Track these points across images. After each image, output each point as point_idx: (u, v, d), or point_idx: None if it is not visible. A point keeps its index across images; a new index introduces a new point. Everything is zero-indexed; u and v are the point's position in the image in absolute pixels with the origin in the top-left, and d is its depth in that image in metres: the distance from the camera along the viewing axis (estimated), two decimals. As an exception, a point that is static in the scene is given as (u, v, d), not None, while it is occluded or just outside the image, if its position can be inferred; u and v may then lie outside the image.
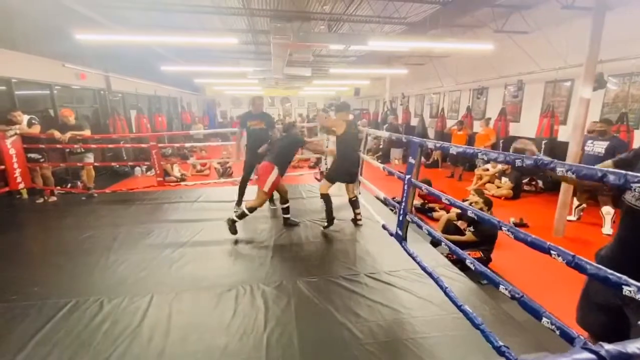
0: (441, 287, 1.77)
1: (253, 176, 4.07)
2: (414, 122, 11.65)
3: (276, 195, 4.02)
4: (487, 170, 6.48)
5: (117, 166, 7.11)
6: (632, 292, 0.84)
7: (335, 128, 3.43)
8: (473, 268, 1.54)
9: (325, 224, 3.50)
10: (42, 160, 4.68)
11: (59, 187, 5.04)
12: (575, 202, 4.66)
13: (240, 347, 1.82)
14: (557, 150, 5.47)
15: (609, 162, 1.17)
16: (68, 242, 3.23)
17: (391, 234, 2.49)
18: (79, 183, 5.85)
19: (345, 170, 3.47)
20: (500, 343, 1.31)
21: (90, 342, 1.84)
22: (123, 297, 2.24)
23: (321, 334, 1.93)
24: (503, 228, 1.30)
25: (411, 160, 2.14)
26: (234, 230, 3.22)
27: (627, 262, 1.07)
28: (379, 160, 9.02)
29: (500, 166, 6.16)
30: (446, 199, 1.81)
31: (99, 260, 2.79)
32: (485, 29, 6.46)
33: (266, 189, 3.22)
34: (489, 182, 6.34)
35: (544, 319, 1.13)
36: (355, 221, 3.63)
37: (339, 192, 4.81)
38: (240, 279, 2.53)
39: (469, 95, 8.77)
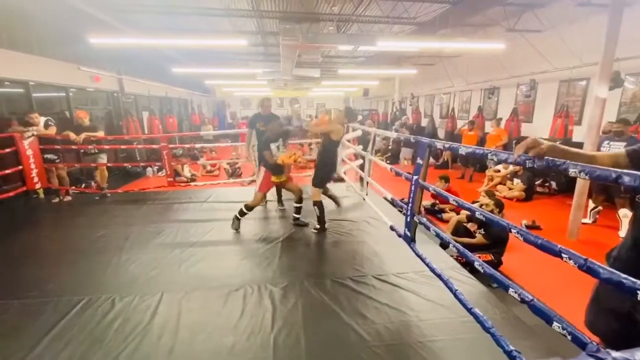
0: (450, 289, 1.74)
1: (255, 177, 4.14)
2: (424, 122, 11.55)
3: (286, 195, 4.05)
4: (499, 171, 6.37)
5: (130, 167, 7.26)
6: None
7: (333, 133, 3.37)
8: (482, 271, 1.52)
9: (317, 226, 3.45)
10: (57, 160, 4.81)
11: (73, 187, 5.17)
12: (591, 205, 4.54)
13: (248, 347, 1.83)
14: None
15: (622, 150, 1.11)
16: (82, 240, 3.31)
17: (399, 235, 2.46)
18: (92, 183, 5.99)
19: (330, 175, 3.58)
20: (511, 347, 1.29)
21: (102, 339, 1.88)
22: (134, 296, 2.29)
23: (328, 335, 1.93)
24: (512, 230, 1.28)
25: (419, 160, 2.12)
26: (236, 226, 3.44)
27: None
28: (388, 161, 8.97)
29: (512, 167, 6.05)
30: (454, 200, 1.78)
31: (111, 259, 2.85)
32: (497, 28, 6.36)
33: (257, 189, 3.42)
34: (500, 183, 6.23)
35: (555, 323, 1.11)
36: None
37: (347, 193, 4.80)
38: (248, 279, 2.55)
39: (480, 95, 8.64)
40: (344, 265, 2.74)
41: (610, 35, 3.66)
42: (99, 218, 3.98)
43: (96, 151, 4.95)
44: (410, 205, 2.19)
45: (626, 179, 0.85)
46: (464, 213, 3.88)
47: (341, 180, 5.07)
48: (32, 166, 4.55)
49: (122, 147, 7.42)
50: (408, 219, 2.23)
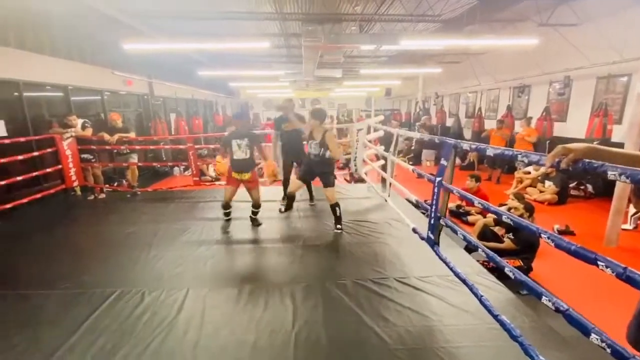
0: (476, 294, 1.69)
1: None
2: (449, 122, 11.23)
3: (318, 195, 4.13)
4: (529, 172, 6.09)
5: (158, 166, 7.57)
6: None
7: (315, 135, 3.41)
8: (513, 277, 1.45)
9: (339, 226, 3.48)
10: (93, 160, 5.10)
11: (107, 185, 5.46)
12: (632, 210, 4.24)
13: (269, 344, 1.86)
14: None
15: None
16: (114, 236, 3.49)
17: (422, 238, 2.41)
18: (124, 181, 6.30)
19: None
20: (542, 358, 1.23)
21: (131, 331, 1.97)
22: (162, 290, 2.38)
23: (349, 336, 1.92)
24: (543, 235, 1.21)
25: (443, 161, 2.06)
26: (257, 223, 3.66)
27: None
28: (410, 162, 8.80)
29: (543, 168, 5.76)
30: (479, 202, 1.72)
31: (140, 255, 2.98)
32: (528, 23, 6.07)
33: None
34: (530, 185, 5.95)
35: (593, 335, 1.04)
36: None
37: (368, 194, 4.76)
38: (270, 278, 2.59)
39: (509, 93, 8.29)
40: (365, 267, 2.72)
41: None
42: (130, 215, 4.17)
43: (128, 151, 5.20)
44: (434, 207, 2.14)
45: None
46: (490, 216, 3.74)
47: (362, 180, 5.03)
48: (71, 165, 4.85)
49: (151, 147, 7.75)
50: (432, 222, 2.18)
